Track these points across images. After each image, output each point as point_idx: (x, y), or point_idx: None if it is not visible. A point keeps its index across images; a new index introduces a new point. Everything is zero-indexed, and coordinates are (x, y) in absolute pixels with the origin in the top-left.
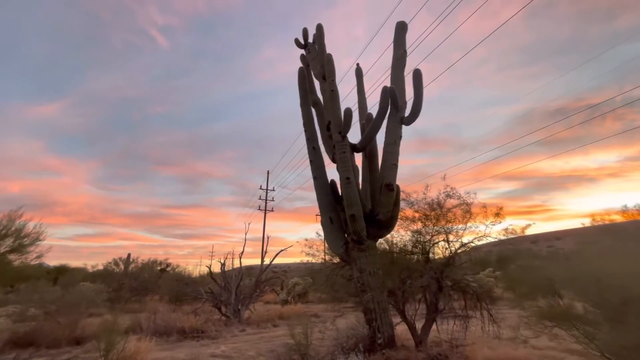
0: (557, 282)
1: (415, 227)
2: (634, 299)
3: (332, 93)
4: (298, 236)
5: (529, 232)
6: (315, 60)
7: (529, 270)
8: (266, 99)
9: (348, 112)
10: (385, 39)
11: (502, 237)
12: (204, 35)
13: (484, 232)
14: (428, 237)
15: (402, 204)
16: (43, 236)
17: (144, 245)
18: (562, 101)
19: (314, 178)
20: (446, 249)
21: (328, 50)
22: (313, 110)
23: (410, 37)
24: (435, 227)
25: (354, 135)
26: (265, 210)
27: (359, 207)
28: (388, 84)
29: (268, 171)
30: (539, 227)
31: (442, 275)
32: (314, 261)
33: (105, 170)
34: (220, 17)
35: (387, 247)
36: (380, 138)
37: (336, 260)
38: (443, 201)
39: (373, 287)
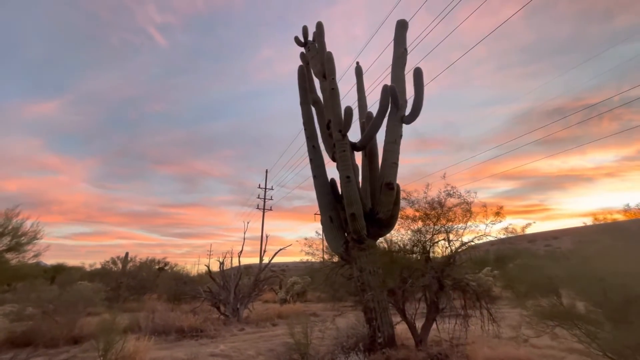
0: (558, 282)
1: (415, 226)
2: (637, 298)
3: (332, 91)
4: (296, 235)
5: (527, 231)
6: (315, 59)
7: (529, 269)
8: (265, 98)
9: (348, 110)
10: (384, 37)
11: (502, 236)
12: (202, 34)
13: (484, 231)
14: (429, 236)
15: (402, 203)
16: (40, 235)
17: (142, 244)
18: (560, 101)
19: (314, 177)
20: (446, 248)
21: (327, 49)
22: (313, 108)
23: (409, 36)
24: (435, 227)
25: (354, 134)
26: (264, 209)
27: (359, 206)
28: (388, 83)
29: (267, 170)
30: (536, 226)
31: (442, 275)
32: (313, 260)
33: (103, 169)
34: (219, 16)
35: (387, 246)
36: (380, 137)
37: (335, 259)
38: (444, 200)
39: (373, 286)
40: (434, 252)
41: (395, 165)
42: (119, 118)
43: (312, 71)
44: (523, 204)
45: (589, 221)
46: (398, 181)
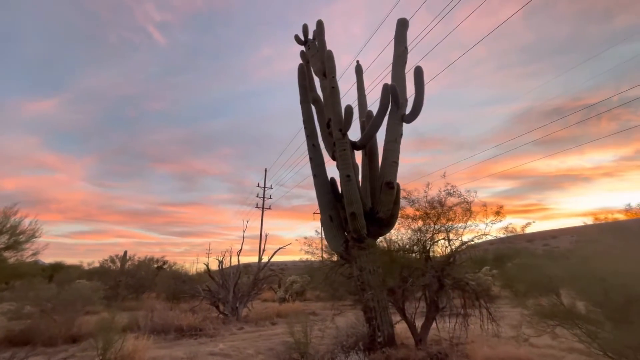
0: (558, 281)
1: (415, 226)
2: (638, 298)
3: (332, 90)
4: (295, 234)
5: (526, 230)
6: (316, 57)
7: (529, 268)
8: (264, 97)
9: (349, 109)
10: (384, 36)
11: (502, 236)
12: (202, 33)
13: (484, 230)
14: (429, 235)
15: (402, 202)
16: (39, 233)
17: (141, 242)
18: (559, 101)
19: (314, 176)
20: (446, 247)
21: (327, 47)
22: (313, 107)
23: (409, 35)
24: (435, 226)
25: (354, 133)
26: (263, 208)
27: (359, 205)
28: (388, 81)
29: (266, 169)
30: (534, 225)
31: (442, 274)
32: (312, 259)
33: (102, 167)
34: (218, 15)
35: (386, 246)
36: (380, 136)
37: (335, 258)
38: (444, 199)
39: (373, 286)
40: (433, 252)
41: (395, 164)
42: (117, 116)
43: (312, 69)
44: (521, 203)
45: (587, 221)
46: (398, 180)
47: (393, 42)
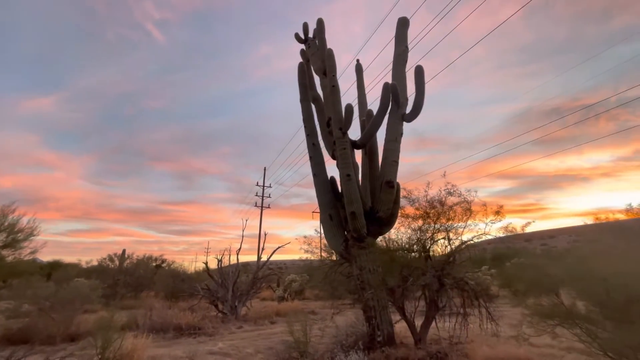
0: (558, 281)
1: (416, 225)
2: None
3: (332, 89)
4: (294, 233)
5: (526, 230)
6: (316, 55)
7: (528, 267)
8: (263, 96)
9: (349, 108)
10: (384, 35)
11: (502, 235)
12: (200, 31)
13: (483, 230)
14: (429, 235)
15: (402, 202)
16: (37, 231)
17: (139, 241)
18: (558, 101)
19: (314, 175)
20: (446, 246)
21: (327, 46)
22: (313, 106)
23: (409, 35)
24: (435, 225)
25: (354, 132)
26: (262, 206)
27: (359, 204)
28: (387, 81)
29: (265, 168)
30: (533, 225)
31: (443, 273)
32: (312, 258)
33: (100, 165)
34: (217, 13)
35: (385, 245)
36: (380, 135)
37: (334, 257)
38: (444, 198)
39: (373, 285)
40: (433, 251)
41: (395, 163)
42: (116, 114)
43: (312, 68)
44: (520, 203)
45: (586, 220)
46: (397, 180)
47: (393, 41)
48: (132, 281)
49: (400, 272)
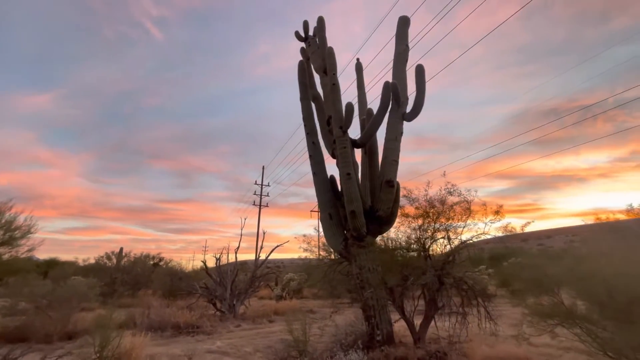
0: (558, 281)
1: (415, 224)
2: None
3: (333, 87)
4: (292, 232)
5: (520, 230)
6: (316, 54)
7: (526, 267)
8: (261, 94)
9: (349, 106)
10: (384, 34)
11: (501, 235)
12: (199, 29)
13: (483, 229)
14: (429, 234)
15: (402, 201)
16: (34, 229)
17: (137, 239)
18: (556, 101)
19: (314, 174)
20: (446, 246)
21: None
22: (313, 104)
23: (408, 34)
24: (435, 224)
25: (354, 131)
26: (260, 205)
27: (359, 203)
28: (388, 80)
29: (263, 166)
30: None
31: (443, 272)
32: (310, 257)
33: (98, 163)
34: (216, 11)
35: (385, 244)
36: (380, 134)
37: (333, 256)
38: (444, 198)
39: (372, 284)
40: (432, 250)
41: (395, 162)
42: (114, 112)
43: (312, 66)
44: (517, 203)
45: (583, 221)
46: (397, 179)
47: (393, 40)
48: (130, 279)
49: (400, 271)
